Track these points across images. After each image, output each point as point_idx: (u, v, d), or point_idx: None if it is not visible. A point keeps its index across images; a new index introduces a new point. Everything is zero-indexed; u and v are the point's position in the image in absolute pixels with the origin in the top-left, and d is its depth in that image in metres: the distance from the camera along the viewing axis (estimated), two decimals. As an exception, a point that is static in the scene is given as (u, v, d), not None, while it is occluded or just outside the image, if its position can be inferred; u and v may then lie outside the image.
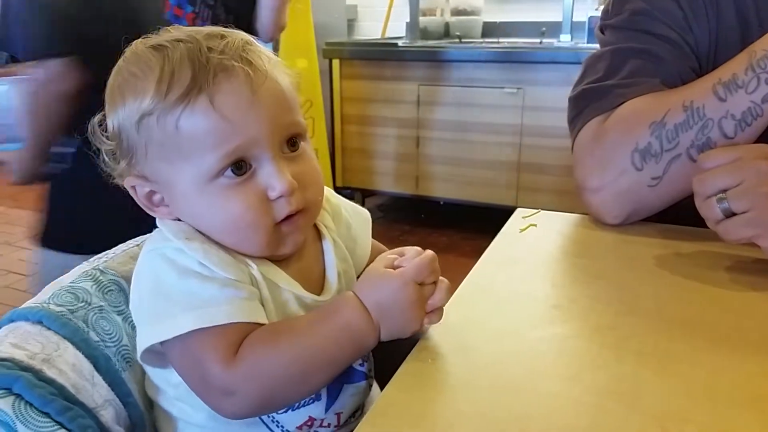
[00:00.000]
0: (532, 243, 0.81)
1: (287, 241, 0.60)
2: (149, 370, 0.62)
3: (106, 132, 0.59)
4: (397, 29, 3.77)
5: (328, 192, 0.70)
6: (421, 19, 3.36)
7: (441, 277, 0.58)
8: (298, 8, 3.08)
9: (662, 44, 0.87)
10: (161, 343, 0.55)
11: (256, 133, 0.56)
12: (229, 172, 0.56)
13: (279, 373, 0.54)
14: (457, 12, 3.68)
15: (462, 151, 3.03)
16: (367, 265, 0.67)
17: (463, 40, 3.43)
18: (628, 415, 0.47)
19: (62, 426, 0.53)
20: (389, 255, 0.59)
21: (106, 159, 0.60)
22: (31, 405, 0.52)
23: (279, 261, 0.61)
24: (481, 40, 3.57)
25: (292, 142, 0.59)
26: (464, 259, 2.88)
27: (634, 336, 0.58)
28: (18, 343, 0.57)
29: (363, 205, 0.72)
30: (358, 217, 0.73)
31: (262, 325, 0.56)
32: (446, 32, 3.64)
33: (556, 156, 2.82)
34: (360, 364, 0.66)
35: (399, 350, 0.78)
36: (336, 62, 3.24)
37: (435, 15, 3.65)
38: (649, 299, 0.65)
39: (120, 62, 0.60)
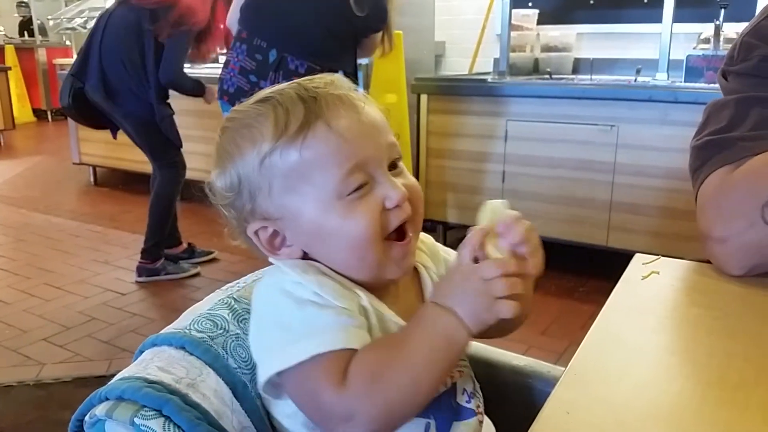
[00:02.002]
0: (656, 291, 0.79)
1: (397, 261, 0.63)
2: (267, 401, 0.65)
3: (221, 188, 0.64)
4: (483, 65, 3.79)
5: (422, 234, 0.72)
6: (510, 55, 3.36)
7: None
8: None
9: None
10: (278, 374, 0.58)
11: (369, 150, 0.61)
12: (348, 188, 0.60)
13: (389, 386, 0.55)
14: (547, 48, 3.67)
15: (550, 187, 2.99)
16: None
17: (553, 77, 3.40)
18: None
19: (207, 450, 0.55)
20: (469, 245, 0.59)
21: (226, 212, 0.65)
22: (179, 427, 0.55)
23: (383, 297, 0.64)
24: (573, 77, 3.53)
25: (393, 164, 0.64)
26: (551, 297, 2.84)
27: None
28: (164, 367, 0.60)
29: (444, 238, 0.76)
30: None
31: None
32: (535, 68, 3.63)
33: (651, 196, 2.73)
34: (467, 401, 0.66)
35: (520, 397, 0.77)
36: (424, 97, 3.28)
37: (524, 51, 3.65)
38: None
39: (226, 123, 0.66)
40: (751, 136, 0.84)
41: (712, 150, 0.87)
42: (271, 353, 0.59)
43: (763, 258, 0.81)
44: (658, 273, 0.83)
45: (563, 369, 0.61)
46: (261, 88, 2.37)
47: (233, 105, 2.23)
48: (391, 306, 0.64)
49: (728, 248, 0.82)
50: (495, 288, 0.55)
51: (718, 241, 0.83)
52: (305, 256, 0.64)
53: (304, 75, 2.22)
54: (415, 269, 0.70)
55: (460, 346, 0.56)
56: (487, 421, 0.72)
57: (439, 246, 0.76)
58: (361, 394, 0.55)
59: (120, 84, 2.81)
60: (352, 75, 2.38)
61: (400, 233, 0.63)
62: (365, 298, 0.62)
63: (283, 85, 0.65)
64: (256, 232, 0.64)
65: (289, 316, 0.59)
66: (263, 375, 0.59)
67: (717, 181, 0.85)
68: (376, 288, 0.64)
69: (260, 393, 0.64)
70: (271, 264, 0.66)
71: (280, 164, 0.60)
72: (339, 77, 0.66)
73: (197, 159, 3.08)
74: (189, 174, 3.12)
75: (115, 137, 3.08)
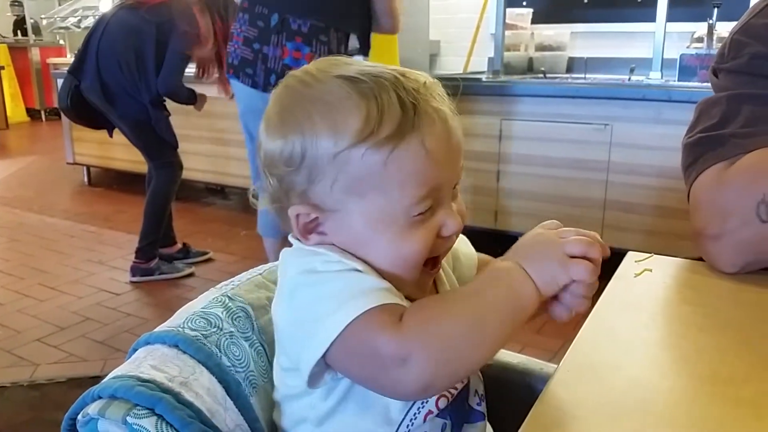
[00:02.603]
0: (648, 288, 0.79)
1: (425, 281, 0.62)
2: (293, 401, 0.63)
3: (278, 157, 0.59)
4: (478, 64, 3.79)
5: None
6: (505, 54, 3.36)
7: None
8: (386, 44, 3.15)
9: None
10: (323, 356, 0.54)
11: (449, 174, 0.58)
12: (418, 210, 0.57)
13: (446, 326, 0.53)
14: (541, 47, 3.68)
15: (544, 186, 2.99)
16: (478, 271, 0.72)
17: (547, 75, 3.41)
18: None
19: (199, 448, 0.55)
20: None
21: (269, 179, 0.60)
22: (171, 426, 0.55)
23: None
24: (567, 76, 3.54)
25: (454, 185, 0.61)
26: (545, 296, 2.84)
27: (771, 392, 0.55)
28: (157, 365, 0.60)
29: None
30: (459, 238, 0.74)
31: None
32: (530, 67, 3.63)
33: (644, 195, 2.74)
34: (477, 404, 0.67)
35: (513, 395, 0.77)
36: (419, 96, 3.28)
37: (519, 50, 3.66)
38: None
39: (296, 84, 0.60)
40: (743, 133, 0.84)
41: (705, 147, 0.87)
42: (318, 329, 0.54)
43: (756, 255, 0.81)
44: (650, 270, 0.83)
45: (556, 366, 0.61)
46: (264, 54, 2.37)
47: (238, 77, 2.23)
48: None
49: (722, 245, 0.83)
50: (571, 246, 0.54)
51: (711, 238, 0.83)
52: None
53: (307, 34, 2.17)
54: None
55: (527, 301, 0.54)
56: (488, 427, 0.72)
57: None
58: (415, 335, 0.52)
59: (116, 85, 2.83)
60: (362, 39, 2.25)
61: (433, 259, 0.62)
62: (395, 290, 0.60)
63: (374, 68, 0.58)
64: (297, 215, 0.60)
65: (332, 286, 0.56)
66: (311, 358, 0.55)
67: (710, 179, 0.85)
68: None
69: (279, 391, 0.64)
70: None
71: (357, 164, 0.56)
72: (434, 80, 0.60)
73: (194, 159, 3.07)
74: (185, 174, 3.14)
75: (111, 136, 3.09)
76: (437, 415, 0.61)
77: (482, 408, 0.67)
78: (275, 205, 0.62)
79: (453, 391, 0.63)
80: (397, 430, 0.60)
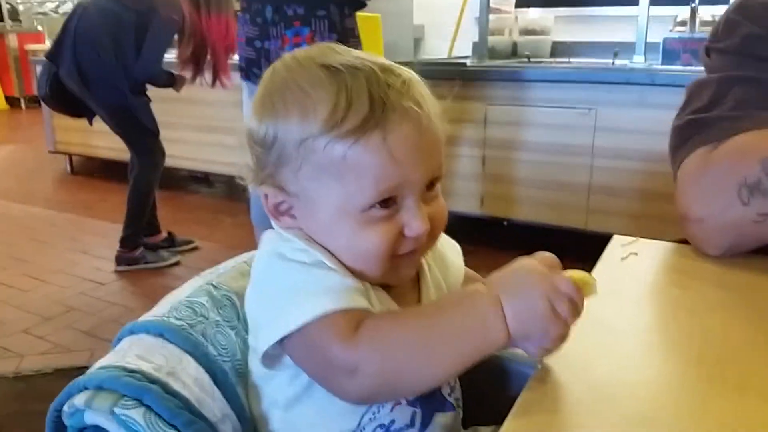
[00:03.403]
0: (635, 272, 0.80)
1: (401, 274, 0.62)
2: (263, 383, 0.63)
3: (254, 136, 0.60)
4: (462, 49, 3.78)
5: None
6: (489, 38, 3.35)
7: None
8: (369, 27, 3.13)
9: None
10: (281, 342, 0.56)
11: (413, 174, 0.57)
12: (376, 207, 0.57)
13: (400, 346, 0.53)
14: (525, 32, 3.67)
15: (530, 171, 3.00)
16: None
17: (531, 60, 3.40)
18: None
19: (188, 439, 0.55)
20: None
21: (250, 154, 0.62)
22: (159, 417, 0.55)
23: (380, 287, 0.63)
24: (551, 60, 3.54)
25: (431, 183, 0.60)
26: (531, 280, 2.86)
27: (756, 371, 0.56)
28: (143, 355, 0.59)
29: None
30: (450, 245, 0.75)
31: None
32: (514, 52, 3.63)
33: (629, 179, 2.76)
34: (449, 393, 0.67)
35: (500, 381, 0.78)
36: (403, 81, 3.26)
37: (503, 35, 3.65)
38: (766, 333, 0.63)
39: (281, 68, 0.61)
40: (732, 116, 0.84)
41: (693, 130, 0.87)
42: (275, 319, 0.56)
43: (739, 238, 0.82)
44: (636, 254, 0.84)
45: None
46: (267, 50, 2.35)
47: (249, 78, 2.23)
48: (390, 295, 0.63)
49: (706, 228, 0.83)
50: (561, 303, 0.52)
51: (696, 220, 0.84)
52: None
53: (304, 15, 2.14)
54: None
55: (492, 339, 0.52)
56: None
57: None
58: (366, 350, 0.53)
59: (93, 71, 2.79)
60: (338, 16, 2.15)
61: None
62: (366, 284, 0.60)
63: (357, 59, 0.58)
64: (266, 194, 0.61)
65: (296, 278, 0.57)
66: (265, 343, 0.57)
67: (696, 161, 0.85)
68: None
69: (253, 372, 0.64)
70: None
71: (320, 153, 0.56)
72: (418, 80, 0.60)
73: (178, 146, 3.04)
74: (170, 162, 3.11)
75: (91, 124, 3.05)
76: (406, 404, 0.62)
77: (452, 398, 0.67)
78: (254, 183, 0.63)
79: None
80: (362, 418, 0.60)
